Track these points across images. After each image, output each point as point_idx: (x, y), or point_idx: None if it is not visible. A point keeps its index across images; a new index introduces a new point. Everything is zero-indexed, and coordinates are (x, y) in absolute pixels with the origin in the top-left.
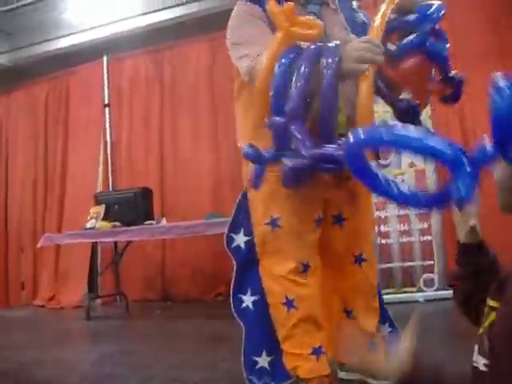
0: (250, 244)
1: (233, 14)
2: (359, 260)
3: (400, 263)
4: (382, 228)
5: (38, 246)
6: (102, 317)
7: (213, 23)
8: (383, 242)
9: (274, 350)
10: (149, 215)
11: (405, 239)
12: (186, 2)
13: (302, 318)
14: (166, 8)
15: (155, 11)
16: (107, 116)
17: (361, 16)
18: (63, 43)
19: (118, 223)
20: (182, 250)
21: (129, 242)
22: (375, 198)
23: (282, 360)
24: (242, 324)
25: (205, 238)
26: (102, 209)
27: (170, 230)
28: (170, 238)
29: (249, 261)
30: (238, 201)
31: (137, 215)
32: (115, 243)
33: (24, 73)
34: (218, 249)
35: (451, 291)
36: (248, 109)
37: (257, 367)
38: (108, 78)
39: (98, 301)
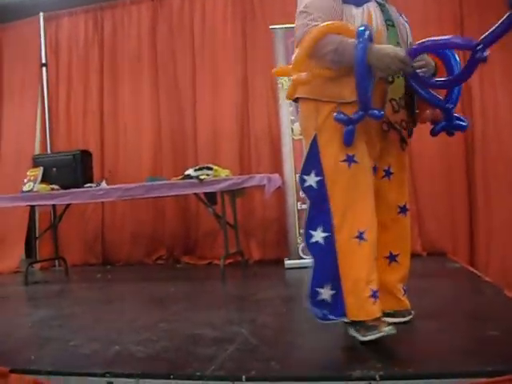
0: (322, 184)
1: None
2: (404, 210)
3: None
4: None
5: None
6: (40, 281)
7: None
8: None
9: (337, 286)
10: (88, 178)
11: None
12: None
13: (371, 251)
14: None
15: None
16: (44, 76)
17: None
18: None
19: (56, 186)
20: (121, 213)
21: (67, 206)
22: None
23: (342, 297)
24: (312, 257)
25: (145, 201)
26: (39, 171)
27: (110, 193)
28: (110, 200)
29: (321, 199)
30: (309, 145)
31: (76, 178)
32: (54, 207)
33: None
34: (158, 213)
35: None
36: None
37: (318, 298)
38: (45, 36)
39: (37, 265)
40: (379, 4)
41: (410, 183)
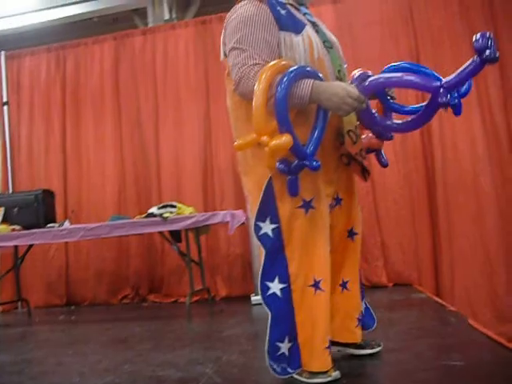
0: (278, 231)
1: (238, 13)
2: (351, 234)
3: None
4: None
5: None
6: (1, 325)
7: (118, 22)
8: None
9: (294, 336)
10: (51, 218)
11: None
12: None
13: (327, 301)
14: (68, 4)
15: (57, 7)
16: (6, 115)
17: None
18: None
19: (18, 226)
20: (85, 253)
21: (30, 246)
22: None
23: (298, 348)
24: (268, 311)
25: (109, 240)
26: (1, 212)
27: (73, 233)
28: (73, 240)
29: (277, 248)
30: (263, 191)
31: (38, 218)
32: (15, 248)
33: None
34: (123, 251)
35: None
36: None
37: (278, 353)
38: (6, 75)
39: None
40: (312, 24)
41: (373, 215)
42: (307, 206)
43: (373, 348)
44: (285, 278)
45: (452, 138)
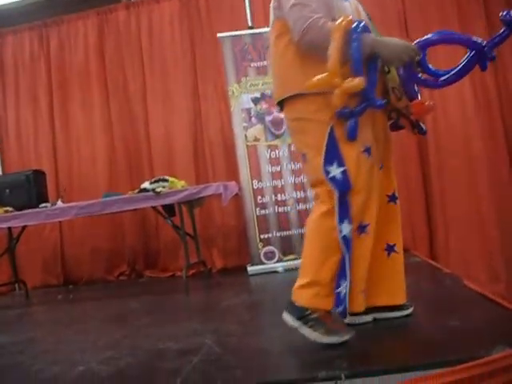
0: (345, 174)
1: None
2: (393, 198)
3: (299, 230)
4: (280, 197)
5: None
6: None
7: None
8: (281, 210)
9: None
10: (43, 198)
11: (302, 206)
12: None
13: (370, 245)
14: None
15: None
16: None
17: None
18: None
19: (10, 208)
20: (80, 231)
21: (24, 228)
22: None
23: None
24: (344, 253)
25: (103, 217)
26: None
27: (66, 212)
28: (67, 219)
29: (346, 190)
30: (326, 139)
31: (30, 199)
32: (9, 229)
33: None
34: (117, 228)
35: None
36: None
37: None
38: None
39: None
40: None
41: None
42: (368, 151)
43: (408, 309)
44: (350, 220)
45: (442, 103)
